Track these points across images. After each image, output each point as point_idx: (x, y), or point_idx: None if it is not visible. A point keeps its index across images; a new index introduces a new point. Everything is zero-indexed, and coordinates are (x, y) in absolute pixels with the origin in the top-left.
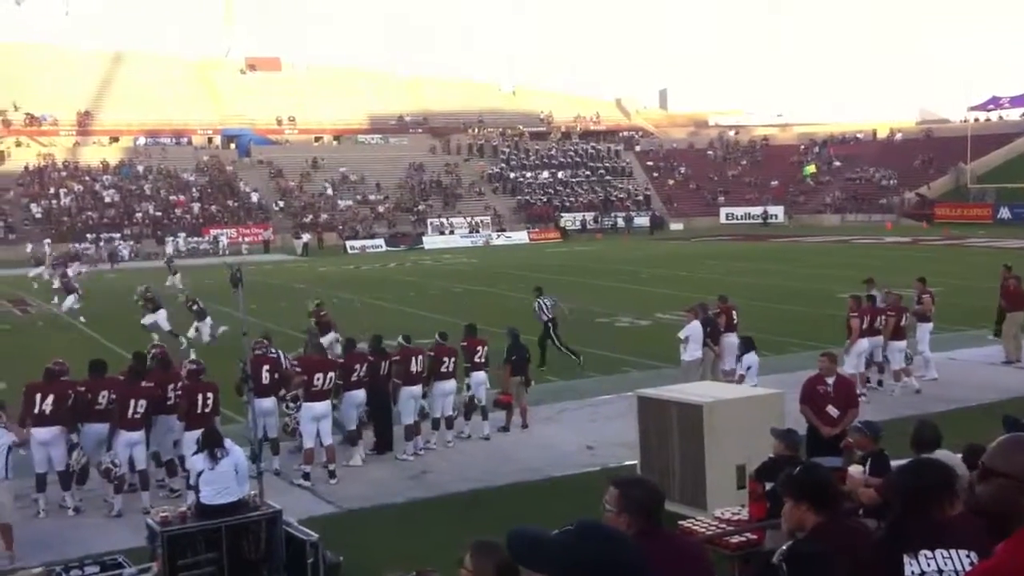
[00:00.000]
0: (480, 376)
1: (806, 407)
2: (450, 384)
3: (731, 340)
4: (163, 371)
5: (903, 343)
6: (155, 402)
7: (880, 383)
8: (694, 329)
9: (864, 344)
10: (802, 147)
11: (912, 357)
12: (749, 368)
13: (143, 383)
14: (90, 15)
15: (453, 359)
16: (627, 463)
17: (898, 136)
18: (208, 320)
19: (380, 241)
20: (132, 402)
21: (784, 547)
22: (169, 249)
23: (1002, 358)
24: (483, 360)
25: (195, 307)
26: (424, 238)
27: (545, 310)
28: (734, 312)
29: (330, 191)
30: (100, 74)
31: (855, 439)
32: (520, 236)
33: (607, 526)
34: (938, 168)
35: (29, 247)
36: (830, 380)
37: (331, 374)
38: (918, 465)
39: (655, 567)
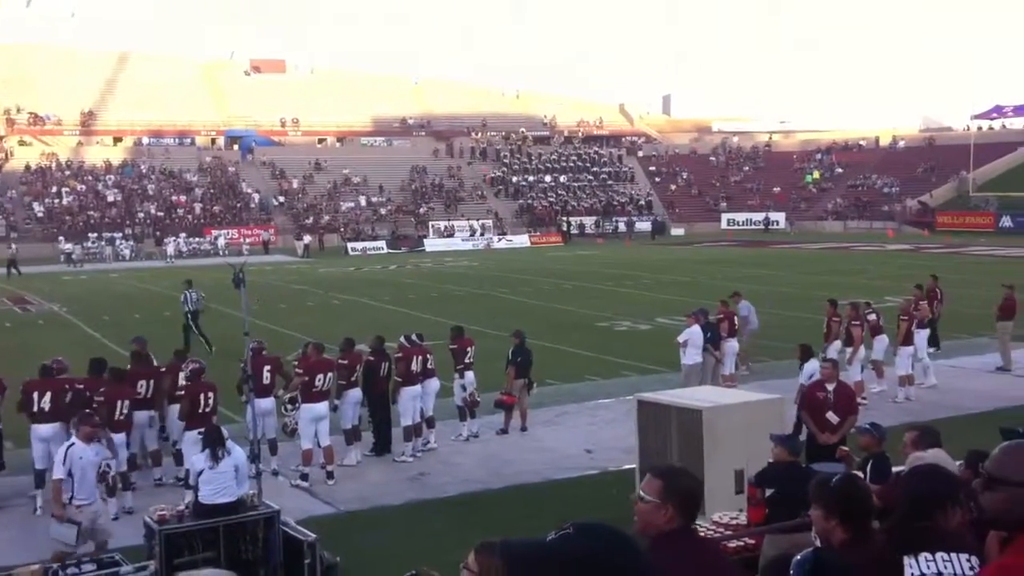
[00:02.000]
0: (471, 376)
1: (805, 413)
2: (435, 383)
3: (731, 345)
4: (138, 366)
5: (911, 348)
6: (134, 400)
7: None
8: (693, 333)
9: (864, 352)
10: (800, 154)
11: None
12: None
13: (128, 383)
14: (96, 16)
15: (431, 356)
16: (626, 467)
17: (901, 144)
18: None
19: (381, 243)
20: (119, 403)
21: (803, 555)
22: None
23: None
24: (471, 360)
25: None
26: (425, 241)
27: (190, 302)
28: (735, 318)
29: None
30: (105, 74)
31: (862, 440)
32: (521, 240)
33: (607, 526)
34: (940, 176)
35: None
36: (830, 386)
37: (331, 374)
38: (930, 471)
39: (689, 568)
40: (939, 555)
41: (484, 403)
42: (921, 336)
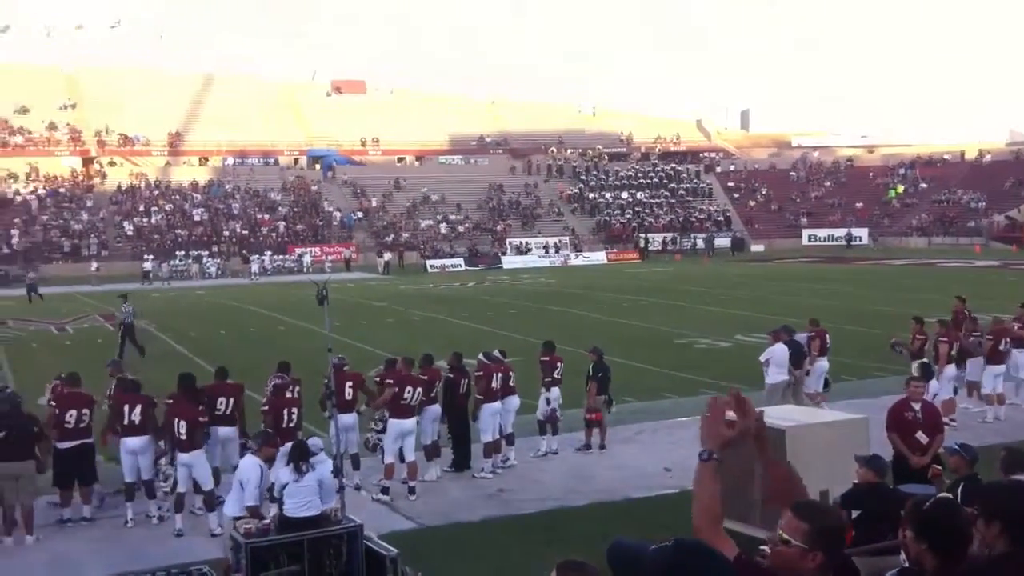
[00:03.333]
0: (557, 391)
1: (894, 435)
2: (515, 400)
3: (822, 364)
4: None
5: (1000, 367)
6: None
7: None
8: (774, 352)
9: (953, 370)
10: (883, 169)
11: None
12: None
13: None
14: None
15: (513, 374)
16: None
17: (987, 157)
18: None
19: (459, 260)
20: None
21: (891, 573)
22: (255, 267)
23: None
24: (560, 376)
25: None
26: (503, 258)
27: (127, 314)
28: (827, 336)
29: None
30: (190, 96)
31: (951, 462)
32: (598, 256)
33: (705, 544)
34: None
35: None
36: (917, 406)
37: (419, 390)
38: (1016, 485)
39: None
40: None
41: (565, 420)
42: (1021, 356)
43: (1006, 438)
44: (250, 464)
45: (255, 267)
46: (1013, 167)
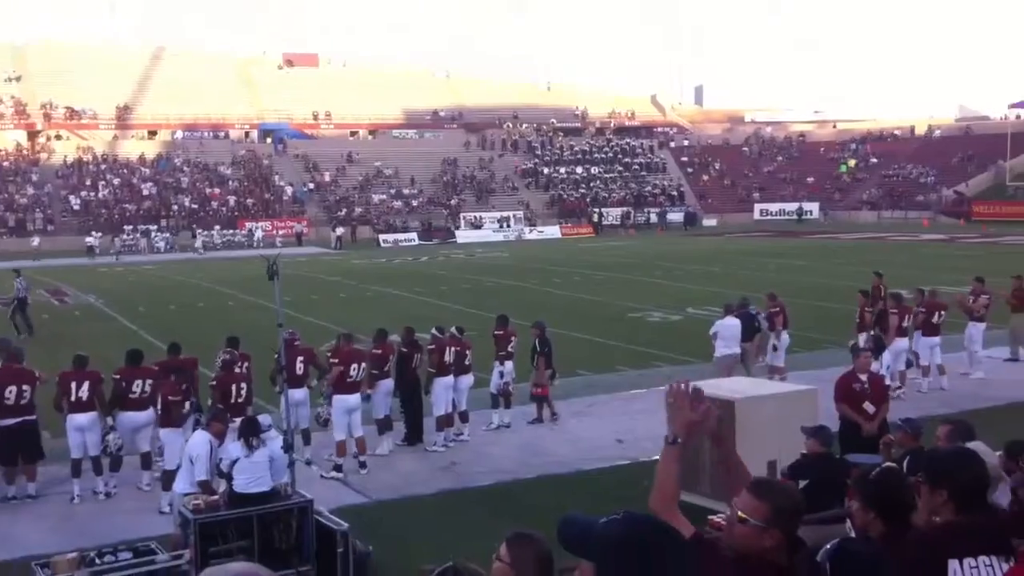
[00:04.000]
0: (511, 365)
1: (844, 405)
2: (470, 378)
3: (785, 338)
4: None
5: (935, 339)
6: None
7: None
8: (723, 325)
9: (905, 343)
10: (834, 144)
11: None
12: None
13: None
14: (131, 12)
15: (470, 351)
16: (656, 457)
17: (937, 133)
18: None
19: (413, 235)
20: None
21: (831, 544)
22: (198, 242)
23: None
24: (514, 350)
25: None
26: (457, 232)
27: (20, 290)
28: (787, 309)
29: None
30: (140, 69)
31: (896, 436)
32: (552, 231)
33: (654, 517)
34: (977, 165)
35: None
36: (864, 377)
37: (363, 365)
38: (965, 453)
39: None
40: (981, 559)
41: (518, 394)
42: (978, 329)
43: (951, 408)
44: (200, 439)
45: (199, 242)
46: (962, 142)
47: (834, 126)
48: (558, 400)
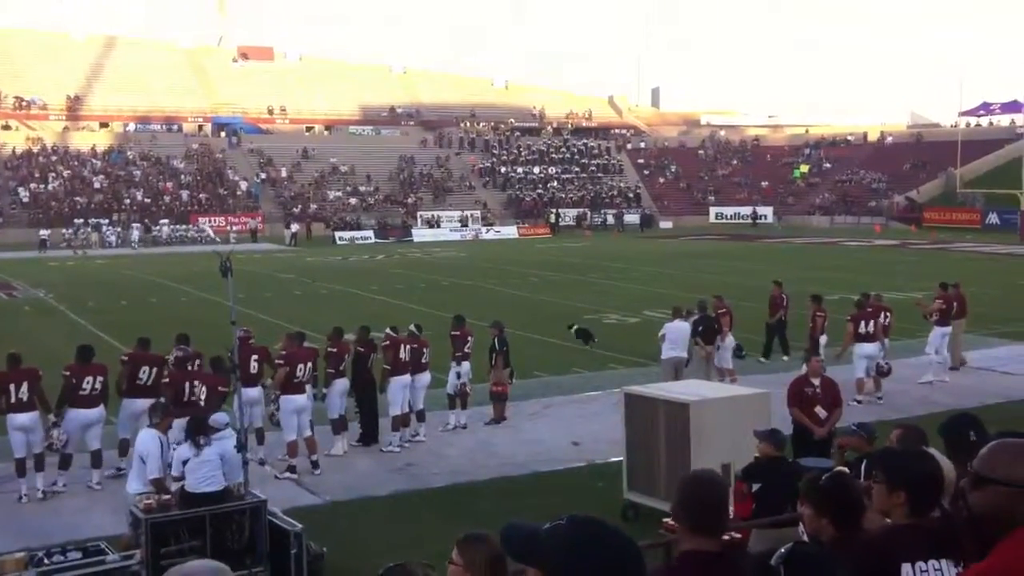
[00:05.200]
0: (467, 366)
1: (795, 409)
2: (427, 376)
3: (730, 340)
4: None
5: (869, 347)
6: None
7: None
8: (670, 328)
9: (870, 348)
10: (788, 148)
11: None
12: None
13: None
14: (84, 1)
15: (427, 350)
16: (612, 460)
17: (889, 139)
18: None
19: (369, 233)
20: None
21: (785, 548)
22: (135, 235)
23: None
24: (471, 350)
25: None
26: (413, 231)
27: None
28: (732, 312)
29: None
30: (91, 59)
31: (850, 441)
32: (510, 231)
33: (600, 520)
34: (928, 172)
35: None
36: (816, 381)
37: (310, 364)
38: (923, 454)
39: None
40: (931, 563)
41: (474, 394)
42: (938, 333)
43: (903, 414)
44: (149, 437)
45: (135, 235)
46: (913, 149)
47: (783, 130)
48: (515, 401)
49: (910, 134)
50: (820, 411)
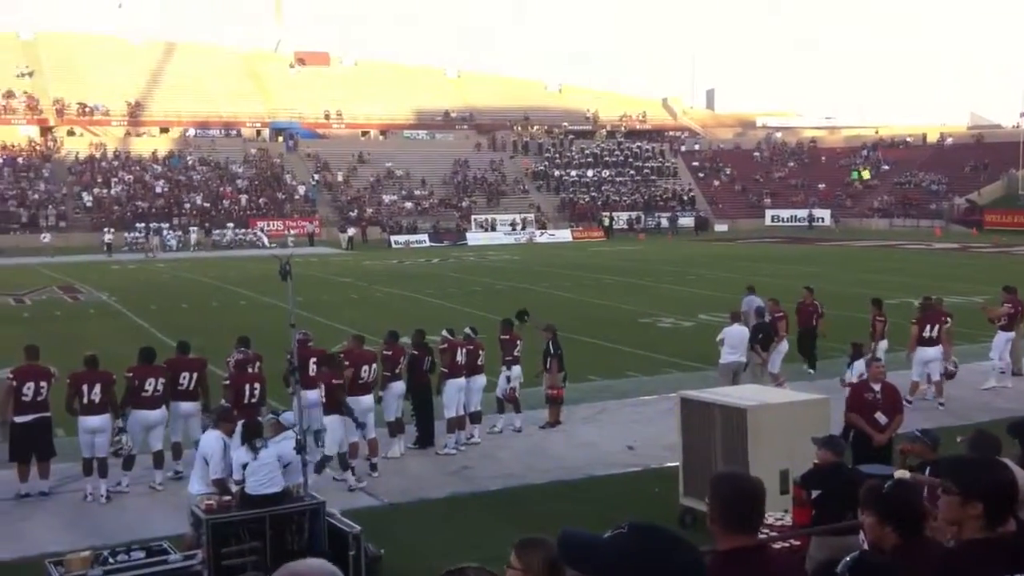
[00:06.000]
0: (518, 370)
1: (854, 415)
2: (482, 379)
3: (783, 345)
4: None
5: (932, 350)
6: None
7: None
8: (729, 333)
9: (932, 353)
10: (846, 150)
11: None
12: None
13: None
14: (143, 6)
15: (483, 352)
16: (668, 465)
17: (948, 141)
18: None
19: (424, 236)
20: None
21: (851, 556)
22: (193, 239)
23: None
24: (520, 354)
25: None
26: (467, 234)
27: None
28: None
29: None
30: (152, 65)
31: (913, 448)
32: (563, 234)
33: (663, 528)
34: (989, 174)
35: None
36: (877, 387)
37: (374, 366)
38: (996, 463)
39: None
40: None
41: (526, 398)
42: (1002, 338)
43: (965, 420)
44: (212, 438)
45: (193, 238)
46: (973, 150)
47: (841, 132)
48: (569, 405)
49: (971, 135)
50: (880, 417)
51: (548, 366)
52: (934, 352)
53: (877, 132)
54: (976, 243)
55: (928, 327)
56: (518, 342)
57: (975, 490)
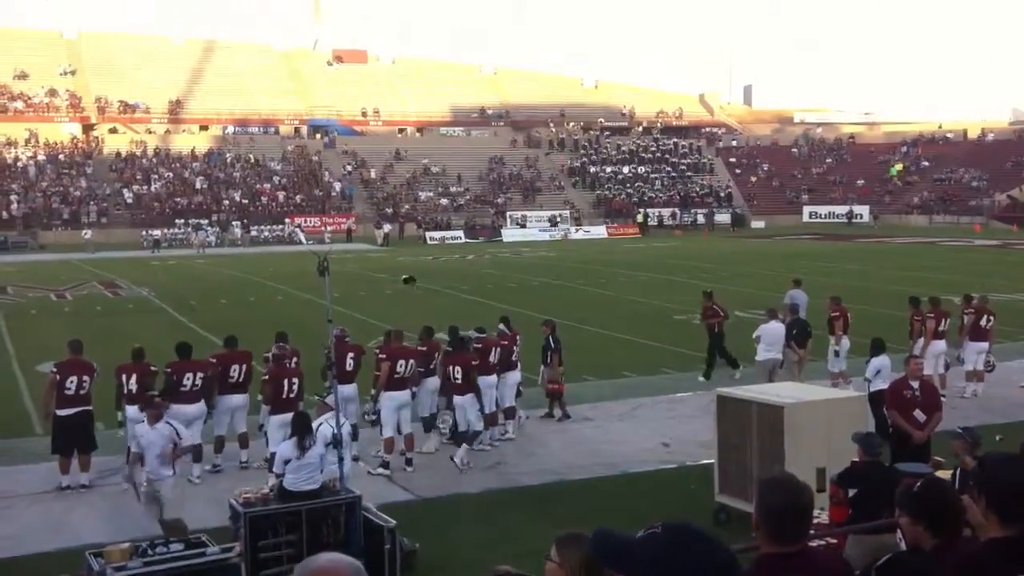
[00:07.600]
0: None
1: (894, 412)
2: (517, 374)
3: (845, 343)
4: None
5: (984, 344)
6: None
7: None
8: (766, 330)
9: (942, 346)
10: (885, 146)
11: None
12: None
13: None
14: (181, 5)
15: (517, 347)
16: (704, 462)
17: (989, 136)
18: None
19: (459, 233)
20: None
21: (883, 559)
22: (232, 235)
23: None
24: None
25: None
26: (503, 231)
27: None
28: (848, 314)
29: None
30: (192, 64)
31: (954, 445)
32: (599, 231)
33: (696, 528)
34: None
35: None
36: (915, 384)
37: (412, 361)
38: (1015, 461)
39: None
40: None
41: (528, 397)
42: None
43: (1004, 418)
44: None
45: (234, 234)
46: (1015, 146)
47: (880, 128)
48: (604, 401)
49: (1012, 131)
50: (919, 414)
51: (548, 360)
52: (942, 345)
53: (912, 128)
54: (1017, 240)
55: (940, 322)
56: (515, 347)
57: (985, 488)
